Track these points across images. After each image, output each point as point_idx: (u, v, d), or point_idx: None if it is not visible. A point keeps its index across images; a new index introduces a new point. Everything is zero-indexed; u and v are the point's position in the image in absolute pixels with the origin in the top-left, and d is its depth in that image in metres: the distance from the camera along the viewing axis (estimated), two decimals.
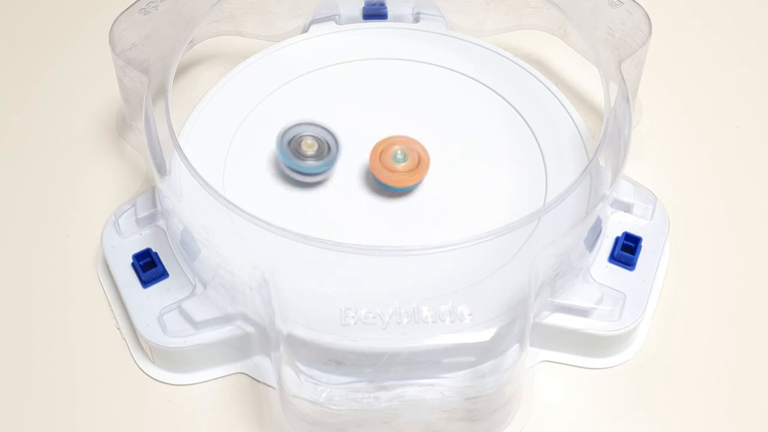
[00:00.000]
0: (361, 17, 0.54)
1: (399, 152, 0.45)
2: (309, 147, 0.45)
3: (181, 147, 0.43)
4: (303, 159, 0.45)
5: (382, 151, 0.45)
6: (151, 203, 0.46)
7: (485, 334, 0.39)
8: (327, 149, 0.45)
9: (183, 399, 0.43)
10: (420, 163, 0.45)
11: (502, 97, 0.50)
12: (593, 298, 0.43)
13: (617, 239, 0.45)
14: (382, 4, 0.55)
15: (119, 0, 0.49)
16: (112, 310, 0.45)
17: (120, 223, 0.45)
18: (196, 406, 0.43)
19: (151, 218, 0.46)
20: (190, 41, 0.49)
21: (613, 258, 0.45)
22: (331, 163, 0.45)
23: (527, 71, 0.51)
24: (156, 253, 0.44)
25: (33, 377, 0.44)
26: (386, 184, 0.45)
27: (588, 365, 0.44)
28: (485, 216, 0.45)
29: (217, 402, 0.43)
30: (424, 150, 0.46)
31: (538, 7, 0.52)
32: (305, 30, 0.54)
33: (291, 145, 0.45)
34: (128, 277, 0.44)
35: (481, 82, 0.51)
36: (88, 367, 0.44)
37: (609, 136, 0.44)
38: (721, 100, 0.55)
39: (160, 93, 0.45)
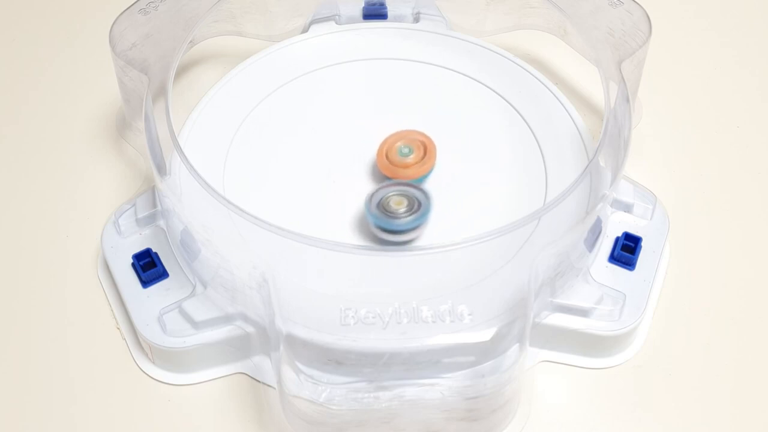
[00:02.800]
0: (361, 17, 0.54)
1: (403, 147, 0.45)
2: (399, 205, 0.43)
3: (181, 147, 0.43)
4: (398, 218, 0.43)
5: (387, 149, 0.45)
6: (151, 203, 0.46)
7: (485, 334, 0.39)
8: (417, 204, 0.44)
9: (183, 399, 0.43)
10: (427, 151, 0.45)
11: (502, 97, 0.50)
12: (593, 298, 0.43)
13: (617, 239, 0.45)
14: (382, 4, 0.55)
15: (119, 0, 0.49)
16: (112, 310, 0.45)
17: (120, 223, 0.45)
18: (196, 406, 0.43)
19: (151, 218, 0.46)
20: (190, 41, 0.49)
21: (613, 258, 0.45)
22: (424, 216, 0.43)
23: (527, 71, 0.51)
24: (156, 253, 0.44)
25: (33, 377, 0.44)
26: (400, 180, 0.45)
27: (588, 365, 0.44)
28: (485, 216, 0.45)
29: (217, 402, 0.43)
30: (428, 138, 0.46)
31: (538, 7, 0.52)
32: (305, 30, 0.54)
33: (380, 206, 0.43)
34: (128, 277, 0.44)
35: (481, 82, 0.51)
36: (88, 367, 0.44)
37: (609, 136, 0.44)
38: (721, 100, 0.55)
39: (160, 93, 0.45)
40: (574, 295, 0.43)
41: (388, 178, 0.45)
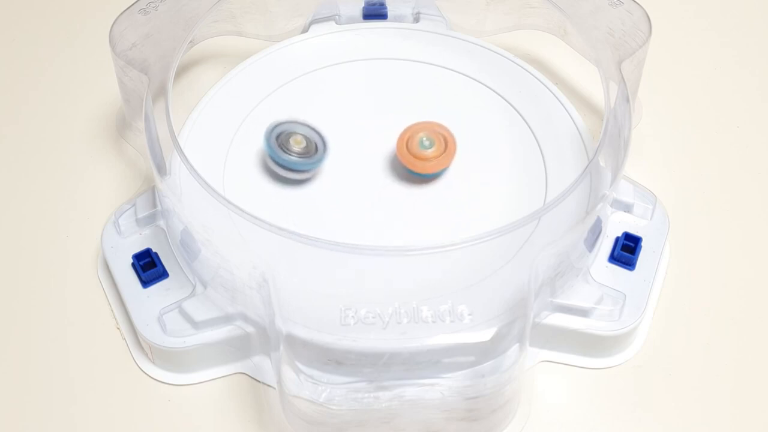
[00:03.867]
0: (361, 17, 0.54)
1: (425, 138, 0.46)
2: (297, 143, 0.45)
3: (181, 147, 0.43)
4: (289, 154, 0.45)
5: (408, 138, 0.46)
6: (151, 203, 0.46)
7: (485, 334, 0.39)
8: (315, 149, 0.45)
9: (183, 399, 0.43)
10: (447, 145, 0.46)
11: (502, 97, 0.50)
12: (593, 298, 0.43)
13: (617, 239, 0.45)
14: (382, 4, 0.55)
15: (119, 0, 0.49)
16: (112, 310, 0.45)
17: (120, 223, 0.45)
18: (196, 406, 0.43)
19: (151, 218, 0.46)
20: (190, 41, 0.49)
21: (613, 258, 0.45)
22: (316, 163, 0.46)
23: (527, 71, 0.51)
24: (156, 253, 0.44)
25: (33, 377, 0.44)
26: (419, 172, 0.46)
27: (588, 365, 0.44)
28: (485, 216, 0.45)
29: (217, 402, 0.43)
30: (449, 132, 0.46)
31: (538, 7, 0.52)
32: (305, 30, 0.54)
33: (279, 139, 0.45)
34: (128, 277, 0.44)
35: (481, 82, 0.51)
36: (88, 367, 0.44)
37: (609, 136, 0.44)
38: (721, 100, 0.55)
39: (160, 93, 0.45)
40: (574, 295, 0.43)
41: (409, 170, 0.46)
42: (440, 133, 0.46)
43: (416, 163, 0.45)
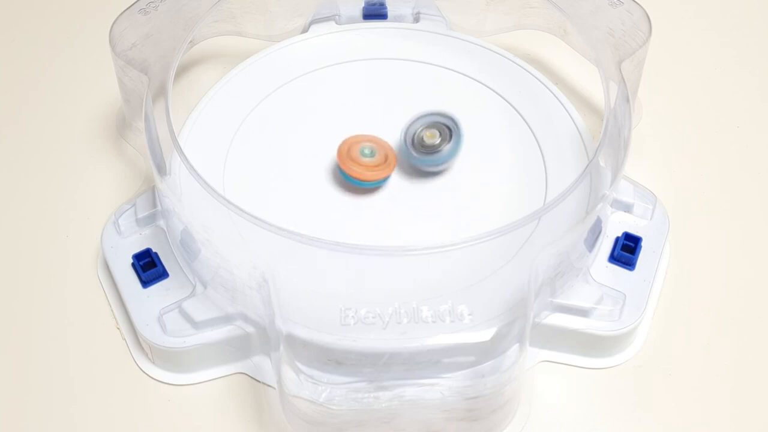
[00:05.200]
0: (361, 17, 0.54)
1: (366, 148, 0.46)
2: (431, 137, 0.46)
3: (181, 147, 0.43)
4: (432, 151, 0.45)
5: (349, 148, 0.46)
6: (151, 203, 0.46)
7: (485, 334, 0.39)
8: (449, 133, 0.46)
9: (183, 399, 0.43)
10: (387, 158, 0.46)
11: (502, 97, 0.50)
12: (593, 298, 0.43)
13: (617, 239, 0.45)
14: (382, 4, 0.55)
15: (119, 0, 0.49)
16: (112, 310, 0.45)
17: (120, 223, 0.45)
18: (196, 406, 0.43)
19: (151, 218, 0.46)
20: (190, 41, 0.49)
21: (613, 258, 0.45)
22: (457, 146, 0.46)
23: (527, 71, 0.51)
24: (156, 253, 0.44)
25: (33, 377, 0.44)
26: (357, 179, 0.45)
27: (588, 365, 0.44)
28: (485, 216, 0.45)
29: (217, 402, 0.43)
30: (390, 147, 0.46)
31: (538, 7, 0.52)
32: (305, 30, 0.54)
33: (414, 141, 0.46)
34: (128, 277, 0.44)
35: (481, 82, 0.51)
36: (88, 367, 0.44)
37: (609, 136, 0.44)
38: (721, 100, 0.55)
39: (160, 93, 0.45)
40: (574, 295, 0.43)
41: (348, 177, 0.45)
42: (381, 145, 0.46)
43: (355, 170, 0.45)
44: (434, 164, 0.46)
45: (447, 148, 0.45)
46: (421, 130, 0.46)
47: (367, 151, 0.45)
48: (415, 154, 0.45)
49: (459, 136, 0.45)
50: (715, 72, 0.57)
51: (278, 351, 0.39)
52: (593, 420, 0.43)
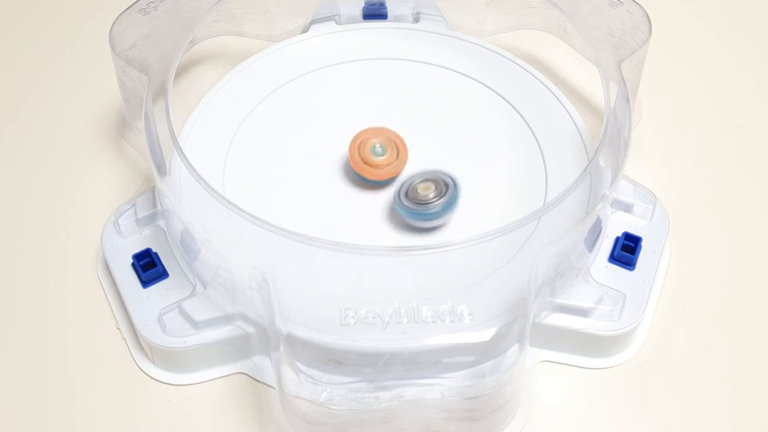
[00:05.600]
0: (361, 17, 0.54)
1: (378, 146, 0.45)
2: (426, 190, 0.44)
3: (181, 147, 0.43)
4: (428, 204, 0.43)
5: (360, 144, 0.45)
6: (151, 203, 0.46)
7: (485, 334, 0.39)
8: (445, 187, 0.44)
9: (183, 399, 0.43)
10: (399, 153, 0.45)
11: (502, 97, 0.50)
12: (593, 298, 0.43)
13: (617, 239, 0.45)
14: (382, 4, 0.55)
15: (119, 0, 0.49)
16: (112, 310, 0.45)
17: (120, 223, 0.45)
18: (196, 406, 0.43)
19: (151, 218, 0.46)
20: (190, 41, 0.49)
21: (613, 258, 0.45)
22: (454, 200, 0.44)
23: (527, 71, 0.51)
24: (156, 253, 0.44)
25: (33, 377, 0.44)
26: (368, 178, 0.45)
27: (588, 365, 0.44)
28: (485, 216, 0.45)
29: (217, 402, 0.43)
30: (400, 139, 0.46)
31: (538, 7, 0.52)
32: (305, 30, 0.54)
33: (408, 196, 0.44)
34: (128, 277, 0.44)
35: (481, 82, 0.51)
36: (88, 367, 0.44)
37: (609, 136, 0.44)
38: (721, 100, 0.55)
39: (160, 93, 0.45)
40: (574, 295, 0.43)
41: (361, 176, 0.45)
42: (392, 140, 0.46)
43: (368, 170, 0.45)
44: (424, 219, 0.43)
45: (440, 203, 0.43)
46: (417, 183, 0.44)
47: (378, 149, 0.45)
48: (407, 205, 0.43)
49: (455, 195, 0.43)
50: (715, 72, 0.57)
51: (278, 351, 0.39)
52: (593, 420, 0.43)
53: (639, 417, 0.43)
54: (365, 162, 0.45)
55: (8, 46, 0.58)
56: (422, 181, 0.44)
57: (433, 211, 0.43)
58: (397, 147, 0.46)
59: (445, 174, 0.44)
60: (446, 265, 0.42)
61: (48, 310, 0.46)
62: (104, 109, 0.54)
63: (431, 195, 0.43)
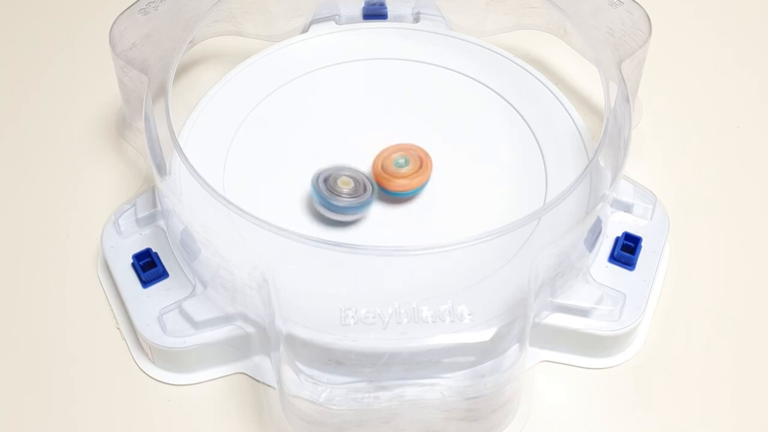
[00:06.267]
0: (361, 17, 0.54)
1: (400, 157, 0.45)
2: (345, 185, 0.44)
3: (181, 147, 0.43)
4: (340, 196, 0.44)
5: (383, 159, 0.45)
6: (151, 203, 0.46)
7: (485, 334, 0.39)
8: (363, 189, 0.44)
9: (183, 399, 0.43)
10: (422, 164, 0.45)
11: (502, 97, 0.50)
12: (593, 298, 0.43)
13: (617, 239, 0.45)
14: (382, 4, 0.55)
15: (119, 0, 0.49)
16: (112, 310, 0.45)
17: (120, 223, 0.45)
18: (196, 406, 0.43)
19: (151, 218, 0.46)
20: (190, 41, 0.49)
21: (613, 258, 0.45)
22: (367, 204, 0.44)
23: (527, 71, 0.51)
24: (156, 253, 0.44)
25: (33, 377, 0.44)
26: (394, 191, 0.45)
27: (588, 365, 0.44)
28: (485, 216, 0.45)
29: (217, 402, 0.43)
30: (424, 151, 0.46)
31: (538, 7, 0.52)
32: (305, 30, 0.54)
33: (327, 184, 0.44)
34: (128, 277, 0.44)
35: (481, 82, 0.51)
36: (88, 367, 0.44)
37: (609, 136, 0.44)
38: (721, 100, 0.55)
39: (160, 93, 0.45)
40: (574, 295, 0.43)
41: (385, 190, 0.45)
42: (415, 152, 0.45)
43: (391, 182, 0.45)
44: (328, 208, 0.44)
45: (349, 201, 0.44)
46: (341, 175, 0.44)
47: (401, 161, 0.45)
48: (320, 188, 0.44)
49: (367, 202, 0.44)
50: (715, 72, 0.57)
51: (278, 351, 0.39)
52: (593, 420, 0.43)
53: (639, 417, 0.43)
54: (387, 173, 0.45)
55: (8, 46, 0.58)
56: (347, 176, 0.44)
57: (340, 205, 0.44)
58: (421, 159, 0.45)
59: (369, 179, 0.45)
60: (446, 265, 0.42)
61: (48, 310, 0.46)
62: (104, 109, 0.54)
63: (345, 191, 0.44)
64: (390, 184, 0.45)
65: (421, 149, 0.46)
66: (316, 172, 0.44)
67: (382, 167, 0.45)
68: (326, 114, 0.49)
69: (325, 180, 0.44)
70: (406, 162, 0.45)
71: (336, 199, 0.44)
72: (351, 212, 0.44)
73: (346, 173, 0.45)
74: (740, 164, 0.52)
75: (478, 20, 0.54)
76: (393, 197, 0.45)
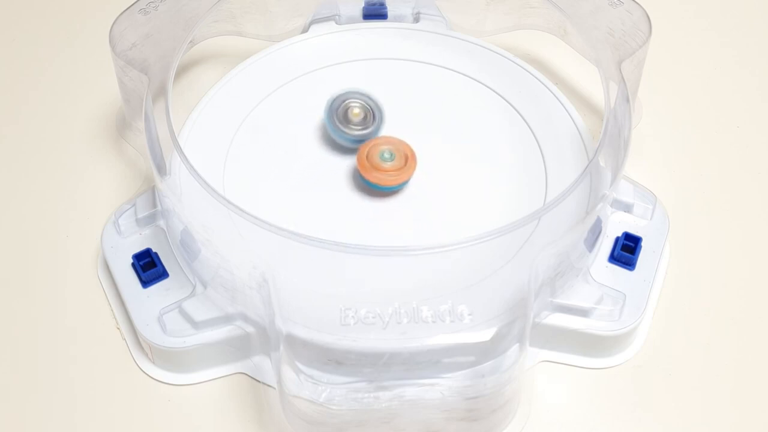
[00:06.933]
0: (361, 17, 0.54)
1: (386, 152, 0.45)
2: (356, 115, 0.46)
3: (181, 147, 0.43)
4: (350, 127, 0.47)
5: (370, 148, 0.45)
6: (151, 203, 0.46)
7: (485, 334, 0.39)
8: (372, 117, 0.47)
9: (183, 399, 0.43)
10: (407, 163, 0.45)
11: (502, 97, 0.50)
12: (593, 298, 0.43)
13: (617, 239, 0.45)
14: (382, 4, 0.55)
15: (119, 0, 0.49)
16: (112, 310, 0.45)
17: (120, 223, 0.45)
18: (196, 406, 0.43)
19: (151, 218, 0.46)
20: (190, 41, 0.49)
21: (613, 258, 0.45)
22: (376, 131, 0.47)
23: (527, 71, 0.51)
24: (156, 253, 0.44)
25: (33, 377, 0.44)
26: (372, 182, 0.45)
27: (588, 365, 0.44)
28: (485, 216, 0.45)
29: (217, 402, 0.43)
30: (411, 149, 0.46)
31: (538, 7, 0.52)
32: (305, 30, 0.54)
33: (338, 113, 0.47)
34: (128, 277, 0.44)
35: (481, 82, 0.51)
36: (88, 367, 0.44)
37: (609, 136, 0.44)
38: (721, 100, 0.55)
39: (160, 93, 0.45)
40: (574, 295, 0.43)
41: (368, 182, 0.45)
42: (400, 148, 0.46)
43: (371, 173, 0.45)
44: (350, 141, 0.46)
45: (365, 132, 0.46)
46: (351, 105, 0.47)
47: (387, 155, 0.45)
48: (338, 126, 0.46)
49: (380, 121, 0.47)
50: (715, 72, 0.57)
51: (278, 351, 0.39)
52: (593, 420, 0.43)
53: (639, 417, 0.43)
54: (374, 167, 0.45)
55: (8, 46, 0.58)
56: (357, 106, 0.47)
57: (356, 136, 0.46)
58: (406, 155, 0.45)
59: (372, 100, 0.47)
60: (446, 265, 0.42)
61: (48, 310, 0.46)
62: (104, 109, 0.54)
63: (361, 118, 0.47)
64: (369, 175, 0.45)
65: (410, 148, 0.45)
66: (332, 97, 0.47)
67: (367, 156, 0.45)
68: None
69: (337, 110, 0.46)
70: (392, 157, 0.45)
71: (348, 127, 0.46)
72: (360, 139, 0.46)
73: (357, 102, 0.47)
74: (740, 164, 0.52)
75: (478, 20, 0.54)
76: (371, 188, 0.46)
